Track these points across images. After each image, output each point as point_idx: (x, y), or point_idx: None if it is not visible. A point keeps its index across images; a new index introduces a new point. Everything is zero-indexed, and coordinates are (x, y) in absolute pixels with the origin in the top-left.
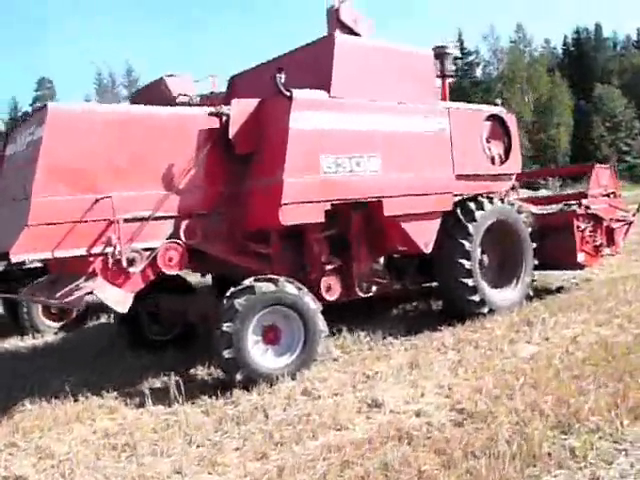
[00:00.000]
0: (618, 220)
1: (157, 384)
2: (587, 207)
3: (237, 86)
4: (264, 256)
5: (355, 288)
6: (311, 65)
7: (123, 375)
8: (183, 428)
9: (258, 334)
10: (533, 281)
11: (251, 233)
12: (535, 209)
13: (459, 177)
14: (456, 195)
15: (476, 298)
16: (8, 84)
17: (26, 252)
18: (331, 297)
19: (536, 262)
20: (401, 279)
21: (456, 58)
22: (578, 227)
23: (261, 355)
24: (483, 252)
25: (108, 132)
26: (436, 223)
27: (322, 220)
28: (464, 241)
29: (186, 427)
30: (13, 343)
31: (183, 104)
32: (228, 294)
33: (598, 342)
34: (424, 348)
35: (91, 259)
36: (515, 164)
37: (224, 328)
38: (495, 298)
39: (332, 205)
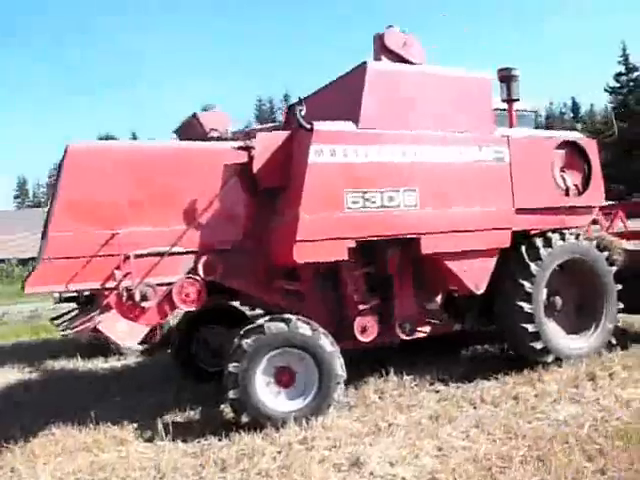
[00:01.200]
0: None
1: (189, 417)
2: None
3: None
4: (295, 293)
5: (396, 329)
6: (346, 95)
7: (155, 406)
8: (162, 469)
9: (270, 375)
10: (617, 327)
11: (279, 269)
12: (630, 245)
13: (521, 211)
14: (518, 231)
15: (538, 345)
16: (176, 110)
17: (42, 285)
18: (366, 338)
19: (621, 305)
20: (461, 320)
21: (619, 74)
22: None
23: (272, 397)
24: (555, 294)
25: (126, 169)
26: (490, 262)
27: (345, 258)
28: (525, 282)
29: (165, 468)
30: (95, 363)
31: (215, 139)
32: (240, 333)
33: None
34: (459, 400)
35: (106, 293)
36: (596, 195)
37: (231, 368)
38: (565, 345)
39: (359, 242)
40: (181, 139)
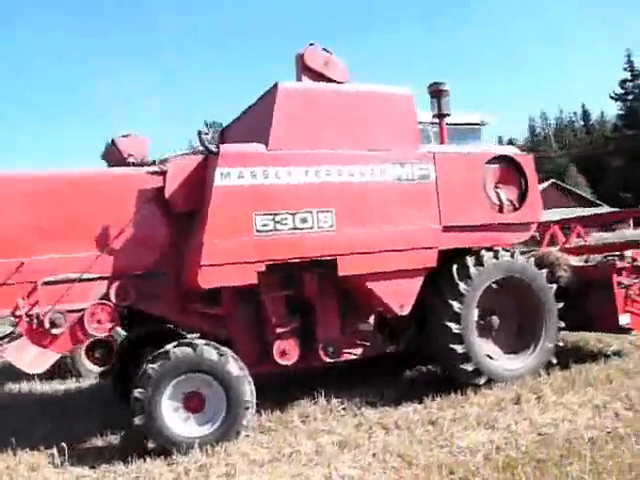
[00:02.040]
0: None
1: (109, 442)
2: (634, 259)
3: (227, 138)
4: (215, 317)
5: (319, 352)
6: (261, 117)
7: (84, 431)
8: None
9: (178, 401)
10: (557, 346)
11: (197, 293)
12: (575, 260)
13: (448, 229)
14: (448, 249)
15: (469, 367)
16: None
17: None
18: (286, 362)
19: (562, 324)
20: (396, 341)
21: (625, 81)
22: (619, 283)
23: (181, 423)
24: (492, 313)
25: (34, 197)
26: (416, 282)
27: (254, 282)
28: (453, 302)
29: None
30: (52, 385)
31: (132, 164)
32: (148, 358)
33: (564, 436)
34: (374, 425)
35: (17, 320)
36: (534, 211)
37: (136, 394)
38: (499, 366)
39: (270, 266)
40: (107, 165)
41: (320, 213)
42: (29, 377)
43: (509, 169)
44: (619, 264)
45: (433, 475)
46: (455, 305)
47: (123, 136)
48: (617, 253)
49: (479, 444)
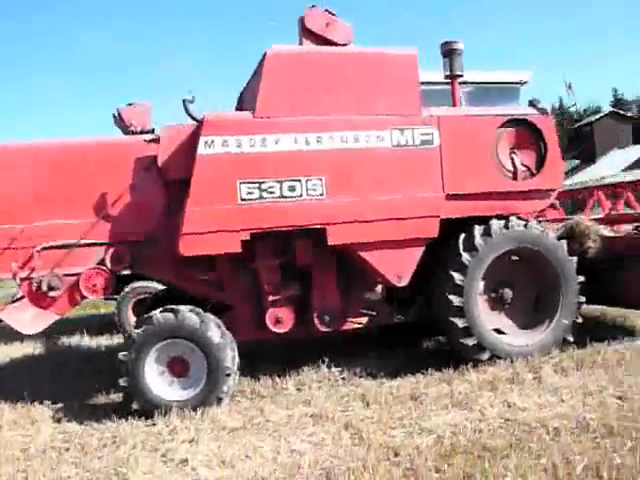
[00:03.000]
0: None
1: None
2: None
3: (241, 102)
4: (213, 283)
5: (315, 321)
6: (254, 85)
7: (93, 389)
8: (31, 450)
9: (163, 365)
10: (575, 323)
11: (190, 259)
12: (607, 230)
13: (452, 197)
14: (454, 219)
15: (469, 342)
16: None
17: None
18: (280, 330)
19: (582, 300)
20: (405, 312)
21: None
22: None
23: (165, 386)
24: (506, 285)
25: (34, 165)
26: (415, 252)
27: (238, 250)
28: (455, 273)
29: (33, 449)
30: (98, 340)
31: (135, 132)
32: (135, 322)
33: (528, 424)
34: (355, 398)
35: (19, 283)
36: (553, 177)
37: (120, 356)
38: (506, 342)
39: (257, 234)
40: (123, 133)
41: (309, 181)
42: (81, 332)
43: (526, 132)
44: None
45: (377, 454)
46: (456, 277)
47: (129, 104)
48: None
49: (443, 426)
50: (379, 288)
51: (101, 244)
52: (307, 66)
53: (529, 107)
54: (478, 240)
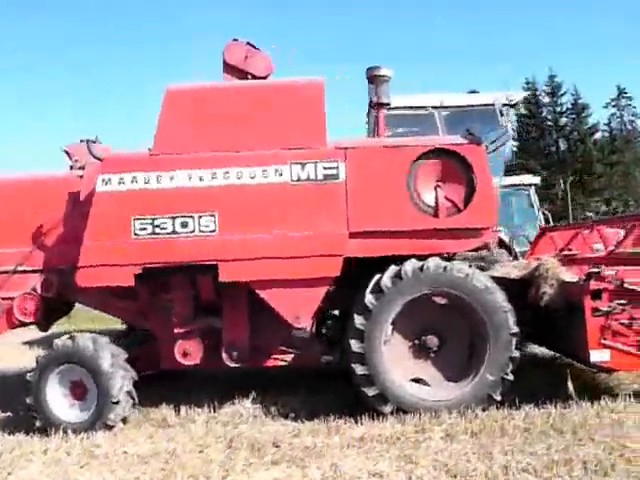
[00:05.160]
0: None
1: None
2: (619, 279)
3: None
4: (136, 311)
5: (223, 356)
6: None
7: None
8: None
9: (66, 387)
10: (505, 380)
11: (113, 289)
12: (568, 275)
13: (357, 235)
14: (355, 257)
15: (369, 392)
16: None
17: None
18: (189, 362)
19: (515, 355)
20: (332, 350)
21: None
22: (595, 310)
23: (67, 408)
24: (432, 332)
25: None
26: (315, 292)
27: (131, 284)
28: (357, 317)
29: None
30: None
31: (80, 168)
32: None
33: None
34: (222, 437)
35: None
36: (483, 214)
37: (27, 376)
38: (416, 394)
39: (146, 269)
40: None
41: (202, 217)
42: None
43: (452, 164)
44: (594, 285)
45: None
46: (357, 320)
47: (81, 140)
48: (595, 270)
49: None
50: (307, 326)
51: (34, 271)
52: (205, 102)
53: (458, 137)
54: (385, 282)
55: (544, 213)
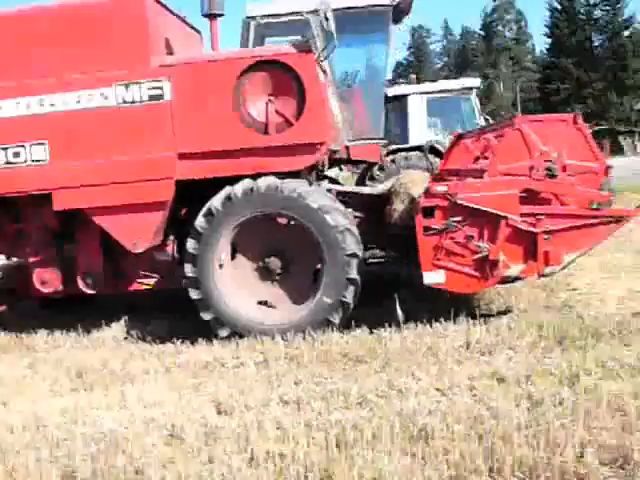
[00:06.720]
0: (566, 216)
1: None
2: (451, 194)
3: None
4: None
5: (78, 283)
6: None
7: None
8: None
9: None
10: (343, 303)
11: None
12: (419, 191)
13: (186, 156)
14: (187, 180)
15: (206, 316)
16: None
17: None
18: (47, 290)
19: (352, 276)
20: None
21: None
22: (427, 228)
23: None
24: (277, 254)
25: None
26: (150, 217)
27: None
28: (190, 241)
29: None
30: None
31: None
32: None
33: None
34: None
35: None
36: (314, 128)
37: None
38: (254, 318)
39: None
40: None
41: (33, 146)
42: None
43: (280, 75)
44: (425, 201)
45: None
46: (189, 244)
47: None
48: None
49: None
50: (169, 250)
51: None
52: (21, 28)
53: (286, 45)
54: (215, 204)
55: (486, 119)
